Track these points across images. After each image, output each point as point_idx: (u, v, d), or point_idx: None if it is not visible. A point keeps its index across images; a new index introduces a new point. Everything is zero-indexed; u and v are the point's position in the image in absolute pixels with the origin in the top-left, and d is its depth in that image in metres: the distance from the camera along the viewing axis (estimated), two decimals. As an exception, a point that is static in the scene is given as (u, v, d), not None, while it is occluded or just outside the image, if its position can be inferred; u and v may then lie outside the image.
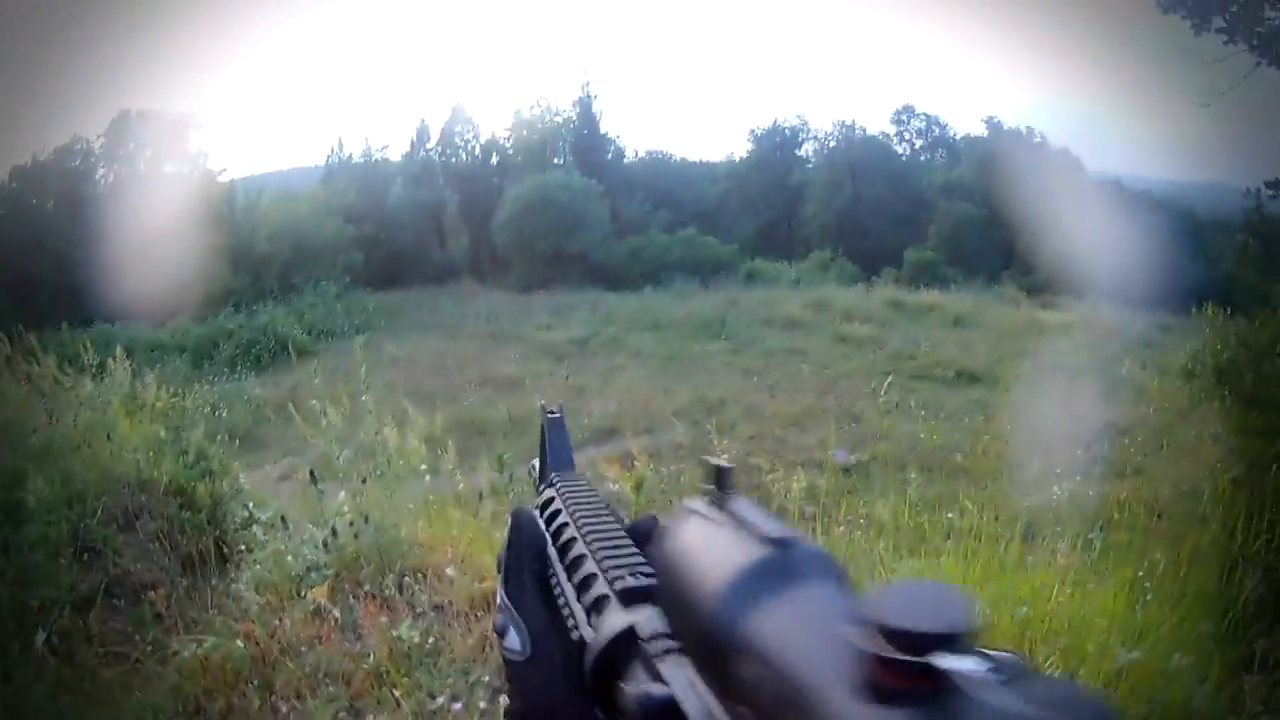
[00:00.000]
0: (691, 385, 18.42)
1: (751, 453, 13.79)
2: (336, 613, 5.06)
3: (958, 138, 37.41)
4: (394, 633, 4.73)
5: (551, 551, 1.03)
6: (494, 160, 33.64)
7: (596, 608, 0.90)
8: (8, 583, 4.74)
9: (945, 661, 0.44)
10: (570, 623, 0.92)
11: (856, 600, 0.60)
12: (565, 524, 1.06)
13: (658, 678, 0.75)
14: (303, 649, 4.73)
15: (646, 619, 0.82)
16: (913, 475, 12.43)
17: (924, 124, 37.83)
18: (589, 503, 1.08)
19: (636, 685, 0.74)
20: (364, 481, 6.31)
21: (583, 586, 0.95)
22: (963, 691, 0.48)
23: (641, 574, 0.89)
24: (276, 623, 4.93)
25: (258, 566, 5.77)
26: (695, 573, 0.69)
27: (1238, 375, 9.76)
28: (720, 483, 0.73)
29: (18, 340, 8.70)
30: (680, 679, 0.72)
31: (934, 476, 13.29)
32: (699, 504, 0.74)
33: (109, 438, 6.95)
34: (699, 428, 15.47)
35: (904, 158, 37.27)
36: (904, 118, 37.61)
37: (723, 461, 0.73)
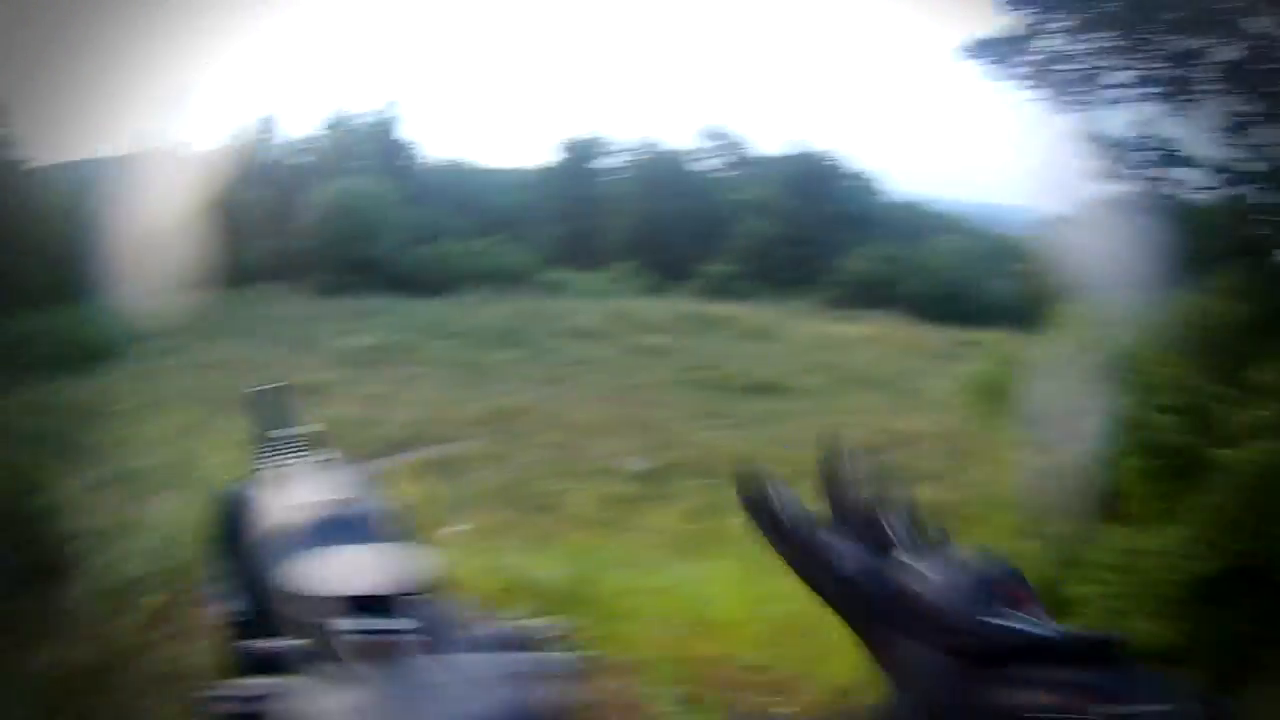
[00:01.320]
0: (489, 394, 18.46)
1: (549, 461, 14.14)
2: (170, 618, 5.11)
3: (763, 157, 37.91)
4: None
5: (257, 520, 1.10)
6: (297, 163, 33.08)
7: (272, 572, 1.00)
8: None
9: (362, 624, 0.56)
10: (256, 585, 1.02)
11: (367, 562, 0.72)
12: (259, 496, 1.15)
13: None
14: (141, 653, 4.81)
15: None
16: (706, 482, 12.74)
17: (730, 142, 38.36)
18: (288, 471, 1.18)
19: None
20: (183, 491, 6.31)
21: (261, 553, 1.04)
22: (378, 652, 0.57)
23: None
24: (114, 630, 5.00)
25: (90, 577, 5.64)
26: (271, 525, 0.82)
27: (1001, 392, 10.23)
28: (317, 446, 0.84)
29: None
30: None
31: (724, 484, 13.46)
32: (295, 466, 0.86)
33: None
34: (497, 436, 15.59)
35: (709, 174, 37.74)
36: (709, 134, 38.11)
37: (317, 429, 0.84)
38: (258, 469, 1.25)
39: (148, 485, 6.60)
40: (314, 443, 0.90)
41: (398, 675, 0.58)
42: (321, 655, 0.60)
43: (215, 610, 1.09)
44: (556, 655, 0.78)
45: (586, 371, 21.26)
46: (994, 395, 12.20)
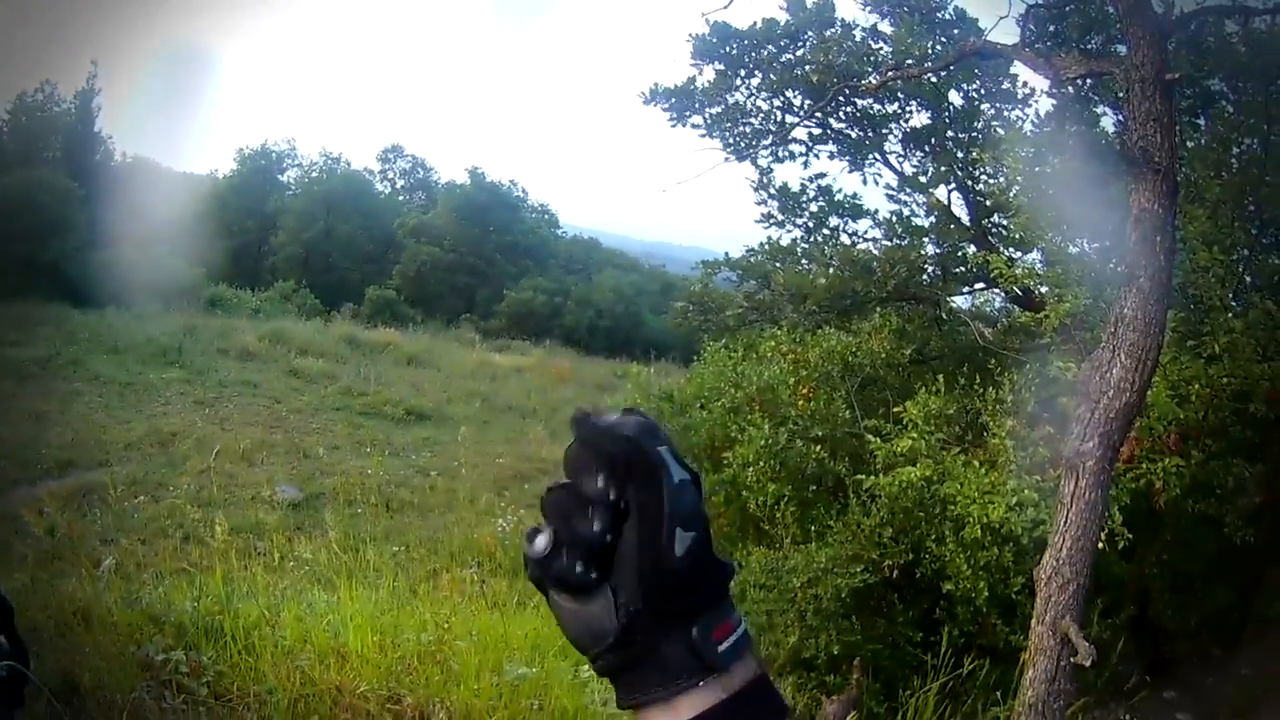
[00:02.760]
0: (146, 415, 18.62)
1: (203, 487, 14.26)
2: None
3: (440, 182, 38.55)
4: None
5: None
6: (-22, 146, 31.03)
7: None
8: None
9: None
10: None
11: None
12: None
13: None
14: None
15: None
16: (360, 510, 13.72)
17: (410, 164, 38.92)
18: None
19: None
20: None
21: None
22: None
23: None
24: None
25: None
26: None
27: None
28: None
29: None
30: None
31: (379, 511, 14.32)
32: None
33: None
34: (151, 461, 15.96)
35: (384, 195, 38.17)
36: (390, 156, 38.61)
37: None
38: None
39: None
40: None
41: None
42: None
43: None
44: None
45: (243, 394, 21.54)
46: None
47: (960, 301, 13.68)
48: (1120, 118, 9.62)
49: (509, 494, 15.63)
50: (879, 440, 10.20)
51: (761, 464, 10.64)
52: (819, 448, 10.74)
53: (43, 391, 18.68)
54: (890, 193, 14.44)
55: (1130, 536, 8.51)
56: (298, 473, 16.55)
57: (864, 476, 10.10)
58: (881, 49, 13.48)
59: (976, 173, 13.09)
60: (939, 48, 12.80)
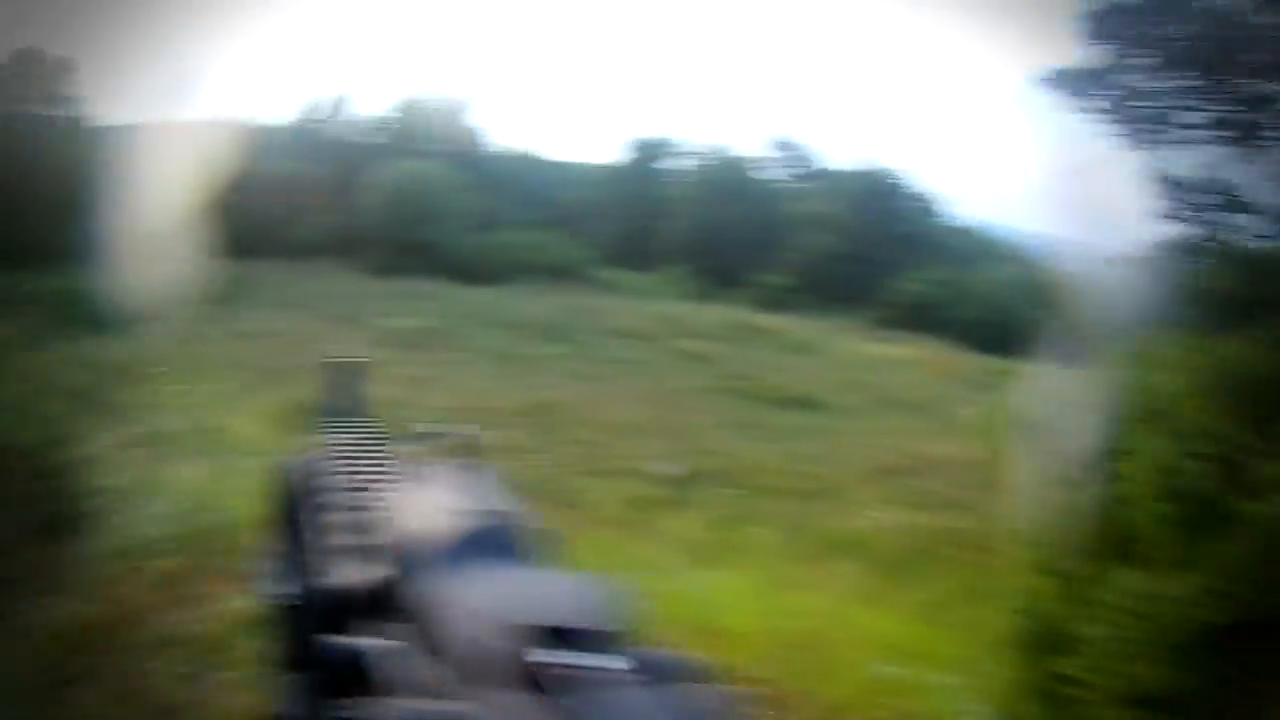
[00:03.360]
0: (529, 386, 18.39)
1: (579, 457, 14.00)
2: (182, 582, 5.32)
3: (829, 171, 37.48)
4: (234, 603, 4.91)
5: (314, 499, 1.04)
6: (364, 140, 33.02)
7: (333, 558, 0.92)
8: None
9: (568, 658, 0.54)
10: (313, 570, 0.94)
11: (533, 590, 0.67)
12: (328, 472, 1.07)
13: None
14: (149, 615, 4.96)
15: (365, 576, 0.86)
16: (736, 492, 12.98)
17: (797, 152, 37.94)
18: (359, 450, 1.11)
19: (327, 638, 0.77)
20: (209, 458, 6.55)
21: (329, 534, 0.96)
22: (582, 687, 0.54)
23: (374, 528, 0.91)
24: (125, 590, 5.14)
25: (107, 535, 5.86)
26: (402, 528, 0.75)
27: (1030, 424, 10.13)
28: (465, 449, 0.80)
29: None
30: (374, 633, 0.76)
31: (751, 494, 13.39)
32: (436, 466, 0.80)
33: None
34: (531, 429, 15.29)
35: (773, 184, 37.32)
36: (778, 145, 37.73)
37: (464, 431, 0.79)
38: (323, 445, 1.18)
39: (174, 449, 6.66)
40: (466, 449, 0.86)
41: (595, 709, 0.57)
42: (485, 680, 0.60)
43: (262, 593, 1.06)
44: (714, 689, 0.72)
45: (626, 372, 21.12)
46: (1022, 427, 12.21)
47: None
48: None
49: (886, 487, 14.16)
50: (1259, 459, 8.05)
51: (1148, 480, 8.71)
52: (1202, 465, 8.68)
53: (422, 360, 18.74)
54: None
55: None
56: (677, 451, 15.51)
57: (1238, 501, 7.99)
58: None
59: None
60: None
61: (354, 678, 0.75)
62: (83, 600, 5.03)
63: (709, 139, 38.81)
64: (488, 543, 0.72)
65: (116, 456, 10.26)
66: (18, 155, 24.50)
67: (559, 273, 28.09)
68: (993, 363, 24.79)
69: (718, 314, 27.72)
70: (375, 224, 29.03)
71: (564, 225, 31.72)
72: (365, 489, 1.00)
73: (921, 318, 30.41)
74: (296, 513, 1.05)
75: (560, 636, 0.58)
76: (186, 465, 6.65)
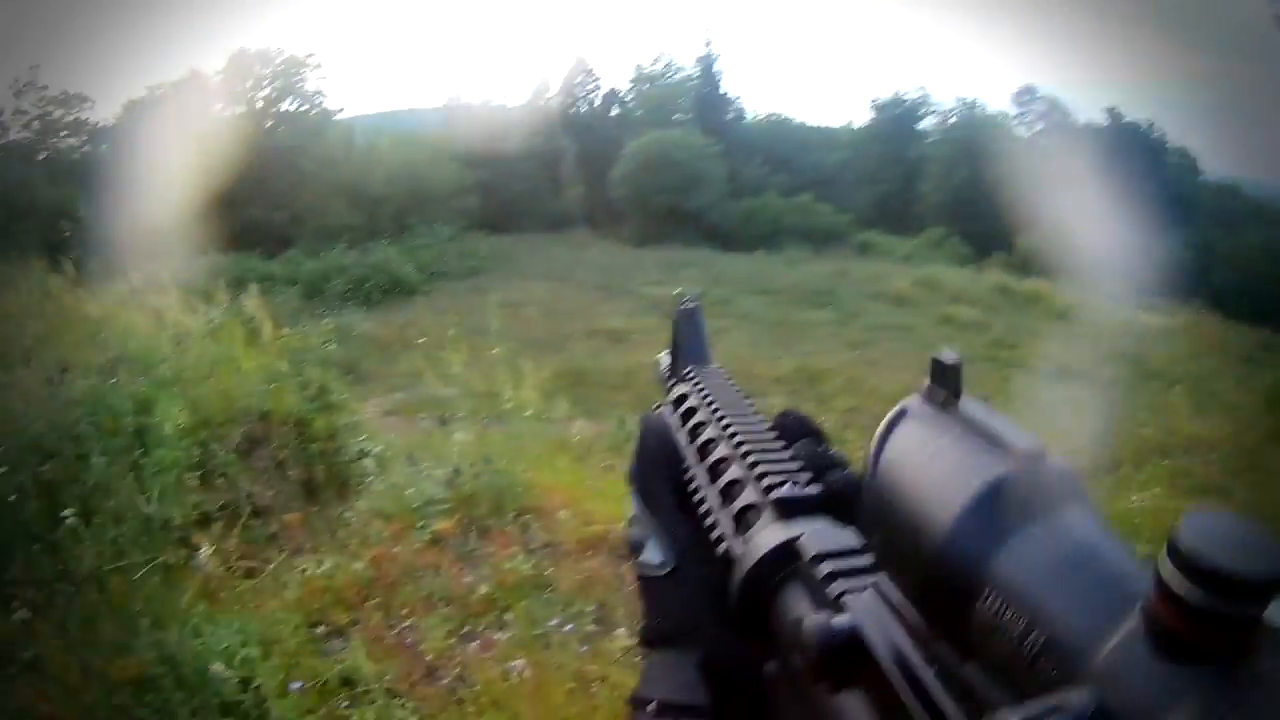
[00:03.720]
0: (795, 353, 18.41)
1: (848, 425, 13.61)
2: (455, 543, 5.34)
3: (1083, 125, 36.58)
4: (508, 565, 4.96)
5: (690, 454, 0.94)
6: (614, 113, 33.61)
7: (745, 518, 0.81)
8: (140, 501, 5.01)
9: (1274, 613, 0.39)
10: (715, 534, 0.83)
11: (1116, 532, 0.51)
12: (704, 422, 0.96)
13: (826, 604, 0.66)
14: (420, 574, 5.01)
15: (812, 534, 0.73)
16: None
17: (1045, 107, 37.15)
18: (731, 398, 0.98)
19: (815, 613, 0.62)
20: (486, 425, 6.46)
21: (728, 491, 0.85)
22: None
23: (800, 481, 0.80)
24: (396, 549, 5.19)
25: (375, 497, 6.03)
26: (916, 488, 0.57)
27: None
28: (945, 381, 0.60)
29: (136, 271, 8.94)
30: (869, 610, 0.62)
31: None
32: (917, 404, 0.62)
33: (237, 369, 7.22)
34: (798, 396, 15.45)
35: (1023, 140, 36.67)
36: (1025, 98, 36.96)
37: (949, 355, 0.60)
38: (681, 395, 1.04)
39: (444, 415, 6.70)
40: (948, 379, 0.51)
41: None
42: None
43: (637, 559, 0.92)
44: None
45: (892, 338, 20.91)
46: None
47: None
48: None
49: (1148, 470, 13.67)
50: None
51: None
52: None
53: None
54: None
55: None
56: None
57: None
58: None
59: None
60: None
61: (846, 666, 0.60)
62: (349, 558, 5.12)
63: (960, 94, 38.32)
64: (1034, 489, 0.51)
65: (383, 423, 10.58)
66: (272, 147, 25.66)
67: (819, 237, 28.02)
68: (1257, 334, 24.15)
69: (979, 278, 27.40)
70: (633, 194, 29.30)
71: (820, 189, 31.37)
72: (748, 437, 0.88)
73: (1180, 283, 29.45)
74: (672, 469, 0.93)
75: (1234, 588, 0.40)
76: (458, 430, 6.58)
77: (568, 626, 4.48)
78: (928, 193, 34.67)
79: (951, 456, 0.55)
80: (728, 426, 0.91)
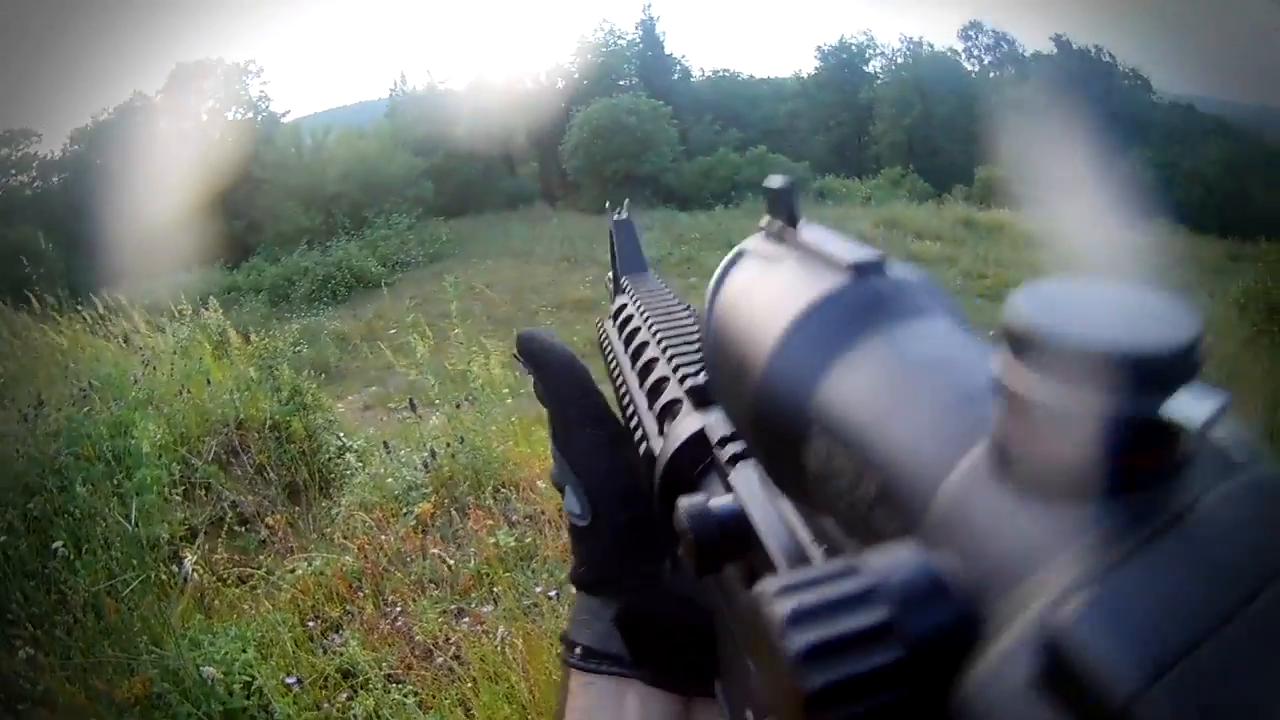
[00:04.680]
0: None
1: None
2: (439, 524, 5.45)
3: (1029, 55, 36.77)
4: (491, 540, 5.02)
5: (624, 362, 0.95)
6: (560, 85, 33.09)
7: (669, 413, 0.79)
8: (126, 523, 5.06)
9: (1179, 408, 0.27)
10: (638, 435, 0.83)
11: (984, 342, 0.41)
12: (637, 328, 0.96)
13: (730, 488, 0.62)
14: (409, 559, 5.11)
15: (718, 419, 0.70)
16: None
17: (991, 40, 37.22)
18: (662, 303, 0.98)
19: (690, 498, 0.58)
20: (457, 406, 6.58)
21: (654, 392, 0.84)
22: (1215, 461, 0.28)
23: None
24: (382, 538, 5.26)
25: (357, 489, 6.10)
26: (743, 327, 0.51)
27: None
28: (780, 209, 0.56)
29: (99, 298, 9.03)
30: (747, 484, 0.59)
31: None
32: (755, 241, 0.57)
33: (208, 382, 7.30)
34: None
35: (973, 75, 36.81)
36: (971, 34, 36.98)
37: (778, 179, 0.55)
38: (619, 303, 1.07)
39: (417, 401, 6.80)
40: (783, 207, 0.46)
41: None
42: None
43: (565, 505, 0.91)
44: None
45: None
46: (1272, 314, 11.57)
47: None
48: None
49: None
50: None
51: None
52: None
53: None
54: None
55: None
56: None
57: None
58: None
59: None
60: None
61: (729, 548, 0.56)
62: (337, 552, 5.23)
63: (901, 35, 38.38)
64: (873, 303, 0.45)
65: (362, 417, 10.63)
66: (223, 158, 25.60)
67: (779, 187, 27.75)
68: (1223, 245, 24.47)
69: (942, 213, 27.57)
70: (585, 164, 29.32)
71: (774, 140, 31.51)
72: (675, 337, 0.88)
73: (1145, 201, 29.67)
74: (584, 405, 0.89)
75: (1113, 377, 0.29)
76: (432, 415, 6.70)
77: (553, 593, 4.56)
78: (882, 134, 34.74)
79: (779, 282, 0.50)
80: (654, 329, 0.91)
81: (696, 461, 0.71)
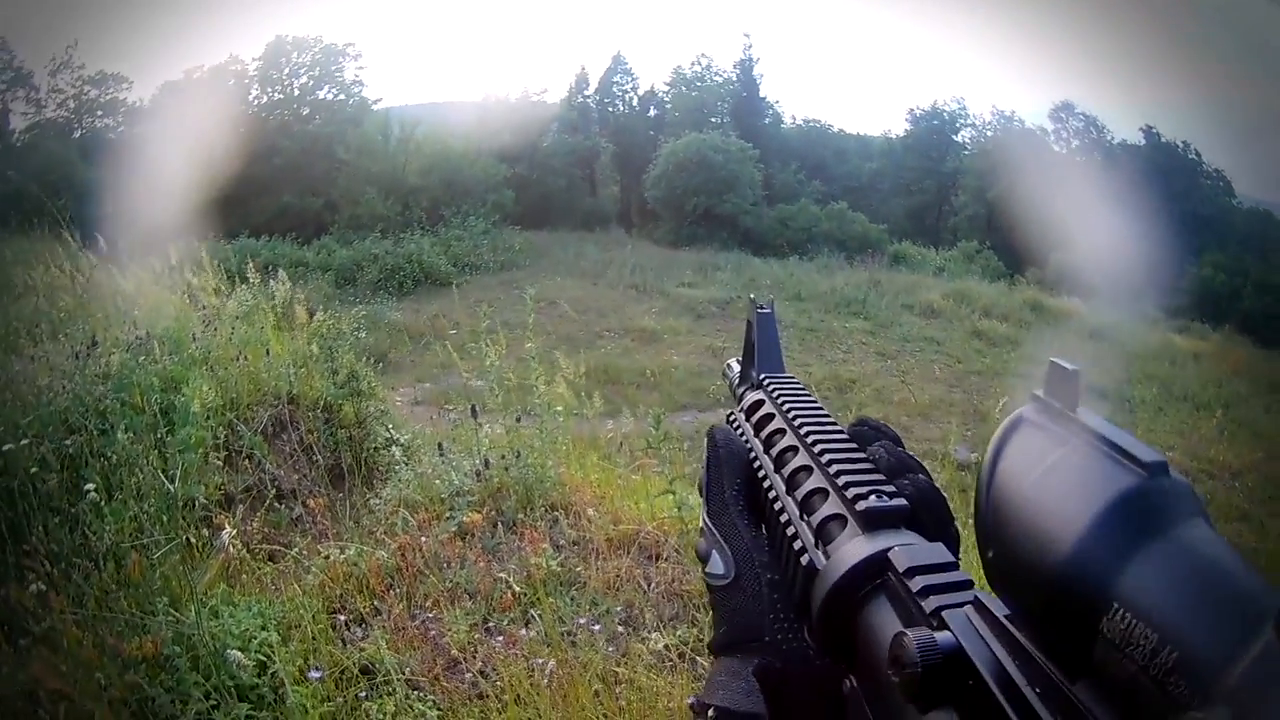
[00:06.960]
0: (826, 361, 18.51)
1: None
2: (482, 536, 5.26)
3: (1114, 142, 36.55)
4: (534, 560, 4.87)
5: (765, 461, 0.94)
6: (651, 114, 33.61)
7: (826, 530, 0.80)
8: (163, 478, 4.94)
9: None
10: (797, 545, 0.82)
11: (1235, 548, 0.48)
12: (781, 430, 0.96)
13: (918, 620, 0.65)
14: (446, 565, 4.94)
15: (903, 548, 0.71)
16: None
17: (1081, 124, 37.04)
18: (808, 407, 0.98)
19: (914, 629, 0.61)
20: (518, 420, 6.39)
21: (808, 503, 0.84)
22: None
23: (885, 494, 0.79)
24: (423, 539, 5.11)
25: (402, 485, 5.97)
26: (1036, 501, 0.56)
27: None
28: (1061, 389, 0.61)
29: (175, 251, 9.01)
30: (968, 627, 0.61)
31: None
32: (1032, 413, 0.62)
33: (266, 352, 7.22)
34: (826, 405, 15.24)
35: (1062, 157, 36.61)
36: (1062, 115, 36.84)
37: (1067, 362, 0.60)
38: (753, 404, 1.06)
39: (473, 406, 6.72)
40: (1065, 388, 0.61)
41: None
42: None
43: (705, 569, 0.92)
44: None
45: (924, 350, 21.04)
46: None
47: None
48: None
49: None
50: None
51: None
52: None
53: (721, 329, 19.33)
54: None
55: None
56: (973, 435, 14.78)
57: None
58: None
59: None
60: None
61: (943, 683, 0.59)
62: (373, 545, 5.09)
63: (994, 108, 38.27)
64: (1157, 504, 0.51)
65: (412, 412, 10.54)
66: (308, 134, 25.75)
67: (853, 246, 28.07)
68: None
69: (1011, 293, 27.40)
70: (666, 195, 29.33)
71: (855, 197, 31.45)
72: (828, 447, 0.87)
73: (1212, 307, 29.33)
74: (738, 482, 0.94)
75: None
76: (489, 423, 6.53)
77: (595, 626, 4.44)
78: (963, 205, 34.62)
79: (1073, 469, 0.54)
80: (807, 436, 0.91)
81: (865, 583, 0.73)
